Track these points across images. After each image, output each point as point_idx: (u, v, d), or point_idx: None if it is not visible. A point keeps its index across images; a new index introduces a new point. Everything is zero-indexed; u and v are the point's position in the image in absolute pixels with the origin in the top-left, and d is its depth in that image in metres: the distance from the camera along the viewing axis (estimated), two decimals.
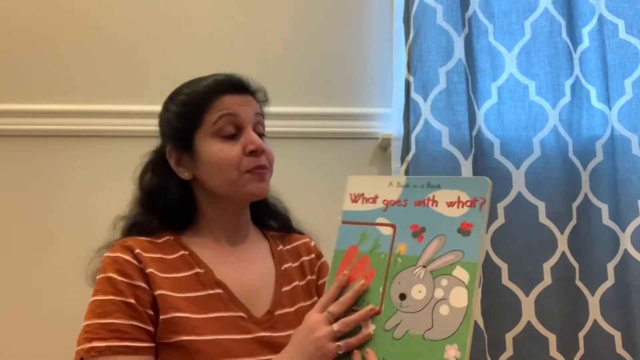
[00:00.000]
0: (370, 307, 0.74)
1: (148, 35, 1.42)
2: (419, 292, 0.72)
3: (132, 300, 0.79)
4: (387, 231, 0.78)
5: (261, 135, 0.92)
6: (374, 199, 0.81)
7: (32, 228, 1.34)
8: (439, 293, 0.71)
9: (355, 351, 0.73)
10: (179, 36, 1.43)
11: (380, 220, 0.79)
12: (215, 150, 0.88)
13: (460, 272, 0.71)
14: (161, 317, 0.80)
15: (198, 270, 0.87)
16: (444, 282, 0.71)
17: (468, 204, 0.73)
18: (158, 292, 0.81)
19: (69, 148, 1.37)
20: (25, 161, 1.36)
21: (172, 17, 1.44)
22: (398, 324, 0.72)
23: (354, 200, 0.82)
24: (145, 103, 1.37)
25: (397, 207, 0.78)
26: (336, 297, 0.76)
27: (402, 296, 0.73)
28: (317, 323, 0.74)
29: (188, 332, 0.79)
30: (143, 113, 1.35)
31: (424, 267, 0.73)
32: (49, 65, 1.40)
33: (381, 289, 0.74)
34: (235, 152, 0.87)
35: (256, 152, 0.88)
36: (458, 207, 0.74)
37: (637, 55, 1.34)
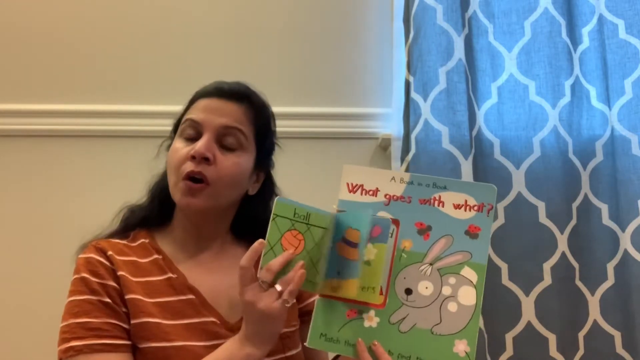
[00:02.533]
0: (290, 251, 0.74)
1: (149, 36, 1.42)
2: (426, 288, 0.74)
3: (108, 299, 0.79)
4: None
5: (230, 149, 0.86)
6: (375, 192, 0.81)
7: (32, 228, 1.34)
8: (446, 290, 0.73)
9: (359, 340, 0.74)
10: (180, 37, 1.43)
11: (382, 214, 0.79)
12: (171, 150, 0.88)
13: (469, 272, 0.73)
14: (132, 321, 0.80)
15: (170, 275, 0.86)
16: (452, 280, 0.74)
17: (475, 208, 0.76)
18: (129, 296, 0.80)
19: (69, 148, 1.37)
20: (25, 161, 1.36)
21: (173, 18, 1.44)
22: (404, 318, 0.74)
23: (352, 190, 0.81)
24: (145, 103, 1.37)
25: (400, 203, 0.79)
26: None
27: (408, 291, 0.75)
28: (253, 297, 0.73)
29: (158, 338, 0.78)
30: (143, 113, 1.36)
31: (431, 264, 0.75)
32: (49, 65, 1.40)
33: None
34: (181, 153, 0.85)
35: (194, 159, 0.83)
36: (465, 210, 0.76)
37: (637, 55, 1.35)
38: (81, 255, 0.84)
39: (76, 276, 0.82)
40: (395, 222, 0.78)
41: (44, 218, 1.34)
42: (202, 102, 0.89)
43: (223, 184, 0.85)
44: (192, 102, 0.92)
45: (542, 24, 1.37)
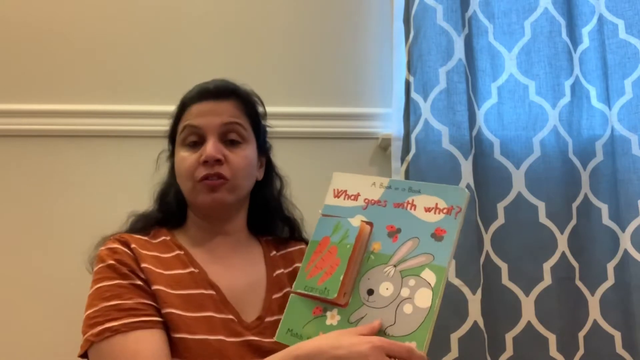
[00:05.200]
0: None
1: (149, 36, 1.42)
2: (387, 289, 0.75)
3: (139, 282, 0.80)
4: (356, 222, 0.79)
5: (234, 142, 0.90)
6: (356, 197, 0.83)
7: (32, 228, 1.33)
8: (405, 292, 0.74)
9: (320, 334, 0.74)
10: (180, 36, 1.43)
11: (358, 217, 0.81)
12: (178, 159, 0.91)
13: (428, 274, 0.74)
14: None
15: (192, 269, 0.87)
16: (412, 282, 0.74)
17: (445, 211, 0.77)
18: (154, 287, 0.81)
19: (69, 148, 1.37)
20: (25, 161, 1.36)
21: (173, 17, 1.44)
22: (362, 317, 0.75)
23: (337, 196, 0.85)
24: (145, 103, 1.37)
25: (376, 207, 0.81)
26: None
27: (370, 291, 0.76)
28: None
29: (181, 329, 0.79)
30: (143, 113, 1.36)
31: (395, 266, 0.76)
32: (49, 65, 1.39)
33: (341, 278, 0.75)
34: (191, 161, 0.88)
35: (207, 163, 0.86)
36: (435, 213, 0.77)
37: (637, 55, 1.34)
38: (103, 247, 0.85)
39: (102, 265, 0.82)
40: (370, 224, 0.79)
41: (44, 218, 1.34)
42: (194, 108, 0.91)
43: (238, 178, 0.89)
44: (182, 110, 0.93)
45: (542, 24, 1.36)
